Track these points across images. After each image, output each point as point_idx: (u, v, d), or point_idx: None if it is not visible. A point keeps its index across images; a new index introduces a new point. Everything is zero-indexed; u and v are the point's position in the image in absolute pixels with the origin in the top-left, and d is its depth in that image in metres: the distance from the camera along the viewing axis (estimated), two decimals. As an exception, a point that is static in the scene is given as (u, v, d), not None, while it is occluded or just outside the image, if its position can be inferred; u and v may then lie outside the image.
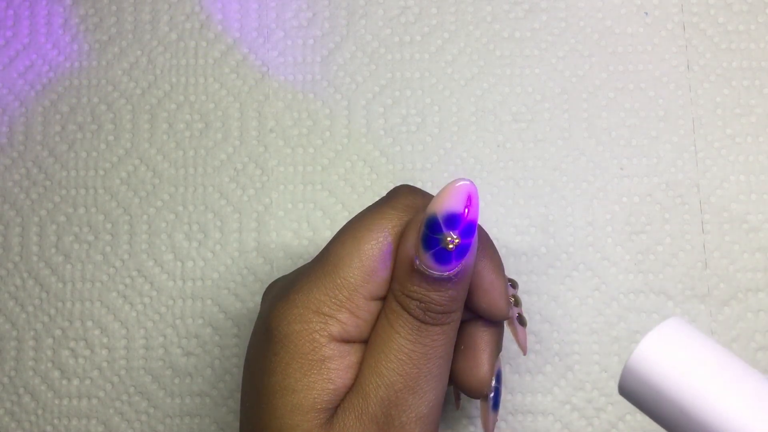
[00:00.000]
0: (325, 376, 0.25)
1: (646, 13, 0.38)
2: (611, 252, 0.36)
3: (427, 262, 0.24)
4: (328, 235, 0.37)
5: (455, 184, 0.23)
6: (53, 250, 0.37)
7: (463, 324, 0.28)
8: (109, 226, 0.37)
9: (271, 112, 0.38)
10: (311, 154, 0.37)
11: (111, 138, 0.38)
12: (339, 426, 0.24)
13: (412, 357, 0.24)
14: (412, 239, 0.24)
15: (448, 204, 0.23)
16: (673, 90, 0.37)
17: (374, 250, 0.25)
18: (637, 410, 0.35)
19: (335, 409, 0.25)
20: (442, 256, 0.24)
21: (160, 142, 0.38)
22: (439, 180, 0.37)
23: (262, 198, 0.37)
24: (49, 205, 0.38)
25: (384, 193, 0.37)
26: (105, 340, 0.36)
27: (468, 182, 0.23)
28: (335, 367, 0.25)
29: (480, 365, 0.27)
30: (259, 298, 0.36)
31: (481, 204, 0.37)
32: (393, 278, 0.25)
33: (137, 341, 0.36)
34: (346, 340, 0.25)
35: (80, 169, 0.38)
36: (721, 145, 0.37)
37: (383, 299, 0.26)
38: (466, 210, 0.23)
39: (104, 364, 0.36)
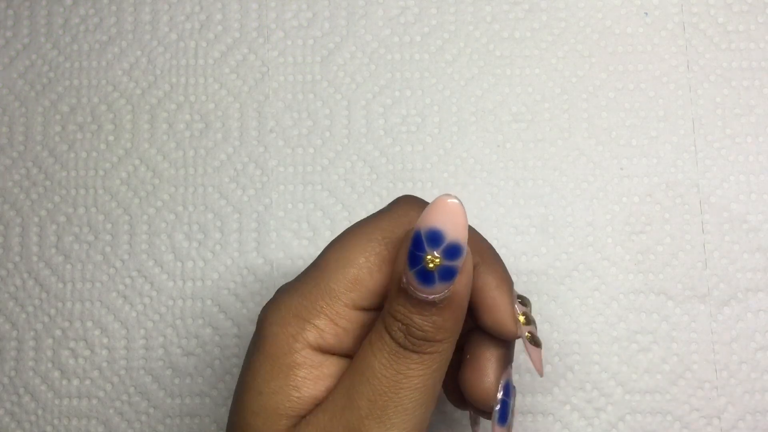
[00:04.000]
0: (291, 383, 0.24)
1: (646, 13, 0.38)
2: (611, 252, 0.36)
3: (411, 280, 0.22)
4: (328, 235, 0.37)
5: (442, 199, 0.22)
6: (53, 250, 0.37)
7: (470, 333, 0.27)
8: (109, 226, 0.37)
9: (271, 112, 0.38)
10: (311, 154, 0.37)
11: (111, 138, 0.38)
12: None
13: (382, 383, 0.23)
14: (402, 254, 0.23)
15: (430, 220, 0.22)
16: (673, 90, 0.37)
17: (360, 258, 0.24)
18: (637, 410, 0.35)
19: (300, 418, 0.24)
20: (425, 276, 0.22)
21: (160, 142, 0.38)
22: (439, 180, 0.37)
23: (262, 198, 0.37)
24: (49, 205, 0.38)
25: (384, 194, 0.37)
26: (105, 340, 0.36)
27: (455, 200, 0.22)
28: (304, 375, 0.24)
29: (484, 376, 0.26)
30: (259, 298, 0.36)
31: (481, 204, 0.37)
32: (387, 301, 0.24)
33: (137, 341, 0.36)
34: (324, 350, 0.25)
35: (80, 169, 0.38)
36: (721, 145, 0.37)
37: (372, 311, 0.25)
38: (450, 229, 0.22)
39: (104, 364, 0.36)
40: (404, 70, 0.38)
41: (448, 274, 0.22)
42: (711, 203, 0.36)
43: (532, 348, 0.27)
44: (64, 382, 0.36)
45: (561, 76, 0.37)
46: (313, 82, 0.38)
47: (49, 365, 0.36)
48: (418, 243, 0.22)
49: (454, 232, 0.22)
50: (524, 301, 0.28)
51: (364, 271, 0.24)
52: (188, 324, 0.36)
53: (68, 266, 0.37)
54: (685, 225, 0.36)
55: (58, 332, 0.37)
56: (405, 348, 0.23)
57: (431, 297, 0.22)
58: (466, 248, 0.22)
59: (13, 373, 0.36)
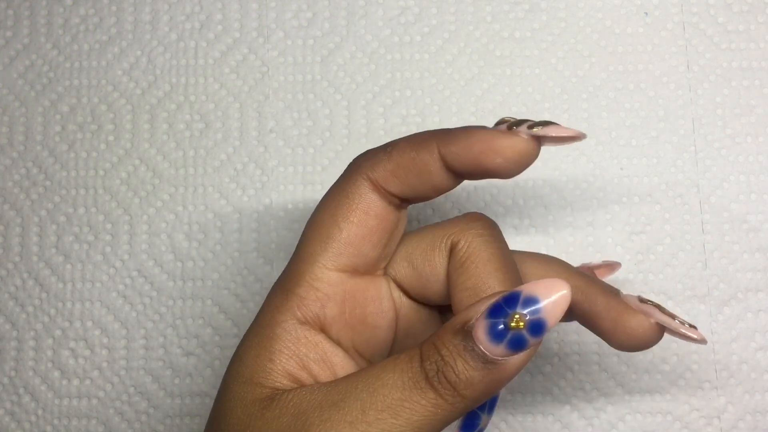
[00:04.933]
0: (266, 353, 0.24)
1: (646, 13, 0.38)
2: (611, 252, 0.36)
3: (479, 328, 0.22)
4: (328, 235, 0.37)
5: (560, 284, 0.22)
6: (53, 250, 0.37)
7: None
8: (109, 226, 0.37)
9: (271, 112, 0.38)
10: (311, 155, 0.37)
11: (111, 138, 0.38)
12: (275, 410, 0.23)
13: (385, 401, 0.22)
14: (483, 305, 0.22)
15: (538, 292, 0.22)
16: (673, 90, 0.37)
17: (326, 217, 0.25)
18: (637, 410, 0.35)
19: (274, 389, 0.24)
20: (497, 332, 0.21)
21: (160, 142, 0.38)
22: (439, 180, 0.37)
23: (262, 198, 0.37)
24: (49, 205, 0.38)
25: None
26: (105, 340, 0.36)
27: (567, 293, 0.22)
28: (279, 347, 0.24)
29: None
30: (259, 299, 0.36)
31: (481, 204, 0.37)
32: (438, 331, 0.23)
33: (137, 341, 0.36)
34: (309, 321, 0.25)
35: (80, 169, 0.38)
36: (721, 145, 0.37)
37: (355, 274, 0.25)
38: (548, 310, 0.21)
39: (104, 364, 0.36)
40: (404, 70, 0.38)
41: (517, 344, 0.21)
42: (711, 203, 0.36)
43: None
44: (64, 382, 0.36)
45: (561, 76, 0.37)
46: (313, 82, 0.38)
47: (49, 365, 0.36)
48: (511, 300, 0.22)
49: (550, 314, 0.21)
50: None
51: (333, 228, 0.25)
52: (188, 324, 0.36)
53: (68, 266, 0.37)
54: (685, 225, 0.36)
55: (58, 332, 0.37)
56: (428, 382, 0.22)
57: (487, 353, 0.22)
58: (545, 335, 0.22)
59: (13, 373, 0.36)
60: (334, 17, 0.38)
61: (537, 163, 0.37)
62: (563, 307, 0.21)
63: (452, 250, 0.26)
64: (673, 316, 0.25)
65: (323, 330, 0.25)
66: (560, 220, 0.36)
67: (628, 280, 0.36)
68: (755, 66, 0.37)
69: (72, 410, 0.36)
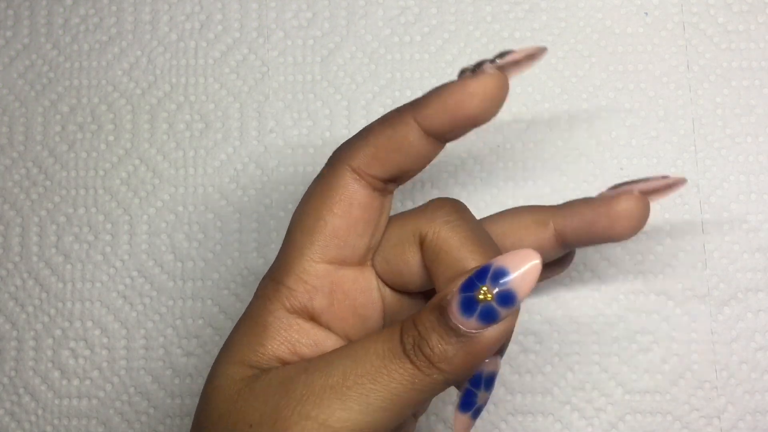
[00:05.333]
0: (258, 339, 0.25)
1: (646, 13, 0.38)
2: (611, 252, 0.36)
3: (453, 301, 0.22)
4: (328, 235, 0.37)
5: (531, 255, 0.22)
6: (53, 250, 0.37)
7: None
8: (109, 226, 0.37)
9: (271, 112, 0.38)
10: (311, 154, 0.37)
11: (111, 138, 0.38)
12: (263, 381, 0.24)
13: (365, 367, 0.23)
14: (459, 281, 0.23)
15: (507, 263, 0.22)
16: (673, 90, 0.37)
17: (309, 209, 0.25)
18: (637, 410, 0.35)
19: (264, 371, 0.25)
20: (468, 305, 0.22)
21: (160, 142, 0.38)
22: (438, 180, 0.37)
23: (262, 198, 0.37)
24: (49, 205, 0.38)
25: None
26: (105, 340, 0.36)
27: (538, 264, 0.22)
28: (271, 334, 0.25)
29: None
30: (259, 298, 0.37)
31: (481, 204, 0.37)
32: (419, 310, 0.24)
33: (137, 341, 0.36)
34: (298, 310, 0.25)
35: (80, 169, 0.38)
36: (721, 145, 0.37)
37: (343, 265, 0.26)
38: (518, 280, 0.22)
39: (104, 364, 0.36)
40: (404, 70, 0.38)
41: (488, 316, 0.22)
42: (711, 203, 0.36)
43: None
44: (64, 382, 0.36)
45: (561, 76, 0.37)
46: (313, 82, 0.38)
47: (49, 365, 0.36)
48: (482, 274, 0.22)
49: (520, 285, 0.22)
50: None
51: (318, 221, 0.25)
52: (188, 324, 0.36)
53: (68, 266, 0.37)
54: (685, 225, 0.36)
55: (58, 332, 0.37)
56: (406, 354, 0.23)
57: (460, 327, 0.22)
58: (518, 306, 0.22)
59: (13, 373, 0.36)
60: (334, 17, 0.38)
61: (537, 163, 0.37)
62: (533, 277, 0.22)
63: (422, 243, 0.26)
64: (647, 179, 0.26)
65: (313, 320, 0.26)
66: (560, 220, 0.36)
67: (628, 280, 0.36)
68: (755, 66, 0.37)
69: (72, 410, 0.36)
